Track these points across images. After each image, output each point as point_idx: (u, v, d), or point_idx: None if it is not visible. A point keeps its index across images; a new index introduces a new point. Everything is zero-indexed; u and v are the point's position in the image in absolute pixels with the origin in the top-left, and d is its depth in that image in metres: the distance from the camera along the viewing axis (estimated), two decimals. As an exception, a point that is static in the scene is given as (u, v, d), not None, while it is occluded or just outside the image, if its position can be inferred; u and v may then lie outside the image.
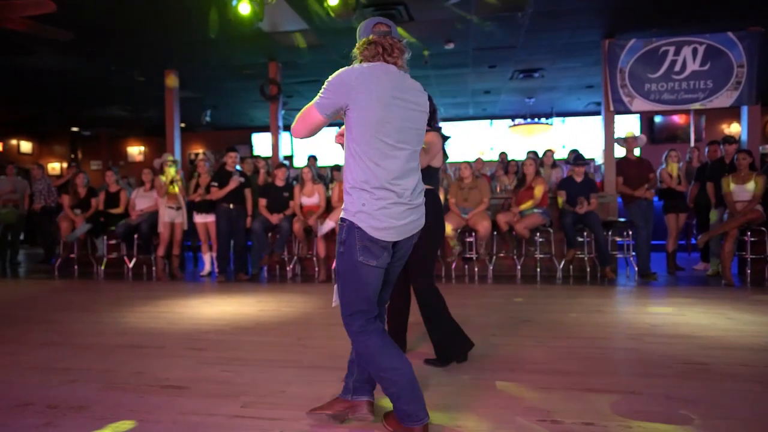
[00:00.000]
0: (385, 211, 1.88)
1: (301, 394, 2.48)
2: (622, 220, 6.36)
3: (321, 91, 1.91)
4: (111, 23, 6.48)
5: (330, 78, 1.91)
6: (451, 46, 7.26)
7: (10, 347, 3.43)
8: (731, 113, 10.28)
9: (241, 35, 6.30)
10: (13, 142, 14.12)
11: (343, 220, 1.95)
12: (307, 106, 1.96)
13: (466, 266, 6.47)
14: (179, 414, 2.28)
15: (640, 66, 6.77)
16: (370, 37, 2.01)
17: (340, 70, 1.92)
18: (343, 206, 1.96)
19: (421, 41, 7.18)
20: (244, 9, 4.96)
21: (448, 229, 5.99)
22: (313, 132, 1.98)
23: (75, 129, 14.28)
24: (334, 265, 2.35)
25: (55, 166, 14.71)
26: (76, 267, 7.25)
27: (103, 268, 7.10)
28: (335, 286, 2.02)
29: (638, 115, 11.61)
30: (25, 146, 14.45)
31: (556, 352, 3.16)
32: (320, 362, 3.00)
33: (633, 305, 4.76)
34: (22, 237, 8.78)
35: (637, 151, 6.68)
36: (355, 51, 2.02)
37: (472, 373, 2.78)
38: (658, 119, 11.90)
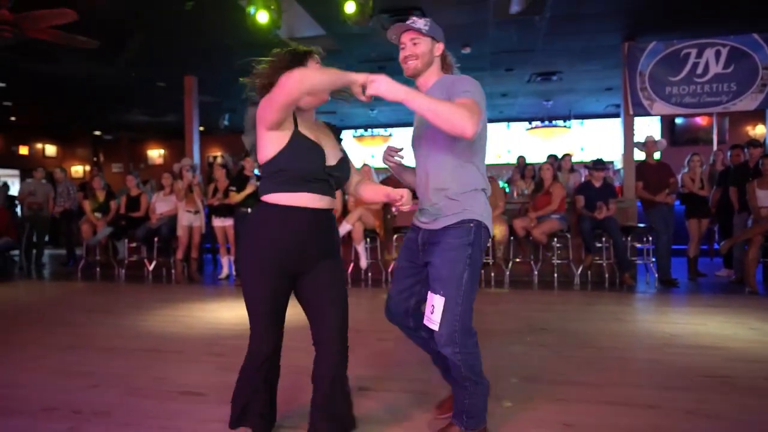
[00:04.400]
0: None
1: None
2: (641, 225, 6.27)
3: (469, 90, 1.84)
4: (133, 31, 6.61)
5: (467, 79, 1.92)
6: (467, 50, 7.23)
7: (35, 350, 3.52)
8: (756, 114, 10.06)
9: (258, 41, 6.36)
10: (39, 145, 14.46)
11: (469, 221, 1.92)
12: (466, 103, 1.78)
13: (482, 271, 6.45)
14: (199, 421, 2.31)
15: (660, 69, 6.67)
16: (443, 47, 2.08)
17: (464, 76, 1.96)
18: (460, 208, 1.93)
19: (437, 45, 7.18)
20: (263, 18, 5.02)
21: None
22: None
23: (97, 133, 14.58)
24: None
25: (78, 169, 15.03)
26: (98, 269, 7.39)
27: (123, 270, 7.23)
28: (438, 304, 1.87)
29: (659, 117, 11.44)
30: (50, 150, 14.79)
31: (573, 361, 3.13)
32: (336, 370, 3.01)
33: (653, 313, 4.70)
34: (46, 239, 8.98)
35: (657, 155, 6.58)
36: (433, 53, 2.03)
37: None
38: (679, 121, 11.70)
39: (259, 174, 6.86)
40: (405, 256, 2.17)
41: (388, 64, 7.92)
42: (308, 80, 1.71)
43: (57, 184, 8.54)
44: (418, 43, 1.99)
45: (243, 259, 1.90)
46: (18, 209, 9.38)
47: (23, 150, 14.03)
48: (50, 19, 4.69)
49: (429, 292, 1.97)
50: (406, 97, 1.72)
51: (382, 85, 1.72)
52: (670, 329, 3.89)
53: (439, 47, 2.04)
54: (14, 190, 11.23)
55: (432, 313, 1.91)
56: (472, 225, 1.93)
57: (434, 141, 1.97)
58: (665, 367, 3.01)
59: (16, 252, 8.02)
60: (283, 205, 1.84)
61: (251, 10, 5.01)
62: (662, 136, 11.40)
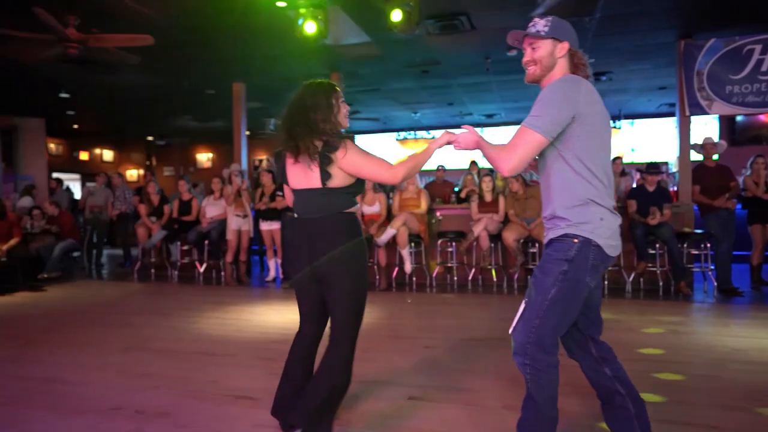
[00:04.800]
0: (618, 229, 1.87)
1: (368, 411, 2.53)
2: (699, 231, 6.00)
3: (535, 114, 1.77)
4: (185, 44, 6.87)
5: (542, 95, 1.81)
6: (513, 53, 7.11)
7: (98, 350, 3.71)
8: (824, 113, 9.45)
9: (305, 50, 6.50)
10: (98, 151, 15.23)
11: (573, 236, 1.79)
12: (514, 138, 1.80)
13: (528, 276, 6.32)
14: (254, 426, 2.38)
15: (720, 67, 6.36)
16: (567, 46, 1.91)
17: (550, 86, 1.82)
18: (565, 222, 1.82)
19: (483, 49, 7.11)
20: (310, 28, 5.11)
21: (510, 239, 5.90)
22: (530, 160, 1.83)
23: (150, 138, 15.22)
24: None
25: (132, 173, 15.72)
26: (152, 270, 7.71)
27: (176, 272, 7.51)
28: (521, 309, 1.87)
29: (717, 115, 10.90)
30: (108, 155, 15.55)
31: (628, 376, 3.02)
32: (384, 377, 3.03)
33: (712, 325, 4.49)
34: (104, 240, 9.45)
35: (715, 157, 6.28)
36: (555, 55, 1.90)
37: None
38: (739, 118, 11.10)
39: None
40: None
41: (432, 68, 7.92)
42: (410, 175, 2.17)
43: (115, 189, 8.97)
44: (537, 47, 1.92)
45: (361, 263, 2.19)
46: (80, 212, 9.92)
47: (83, 155, 14.81)
48: (127, 41, 4.91)
49: None
50: (479, 147, 1.96)
51: (462, 144, 1.99)
52: (733, 343, 3.71)
53: (563, 47, 1.90)
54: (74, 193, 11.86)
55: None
56: (575, 241, 1.79)
57: (541, 156, 1.91)
58: (727, 384, 2.88)
59: (78, 253, 8.47)
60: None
61: (299, 20, 5.11)
62: (720, 134, 10.87)
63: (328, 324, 2.23)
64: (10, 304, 5.62)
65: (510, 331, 1.88)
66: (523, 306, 1.87)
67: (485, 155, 1.92)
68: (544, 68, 1.92)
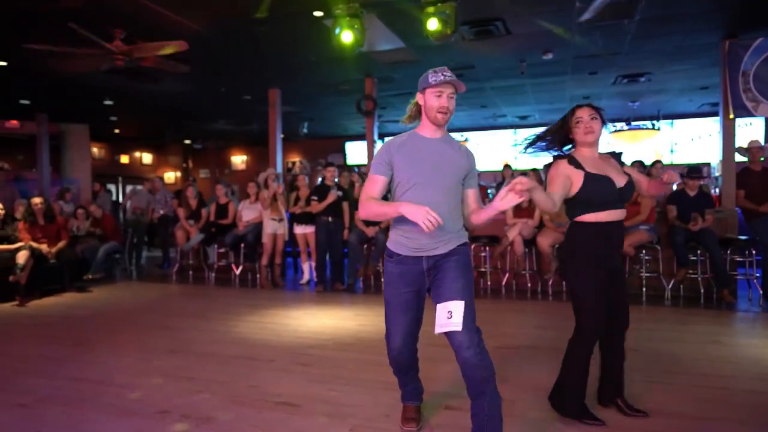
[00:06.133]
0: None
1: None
2: (743, 237, 5.81)
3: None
4: (224, 53, 7.06)
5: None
6: (549, 56, 7.05)
7: (144, 353, 3.86)
8: None
9: (341, 56, 6.58)
10: (137, 154, 15.75)
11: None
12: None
13: (564, 282, 6.24)
14: (295, 432, 2.45)
15: None
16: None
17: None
18: None
19: (518, 53, 7.06)
20: (347, 37, 5.17)
21: (545, 244, 5.84)
22: None
23: (187, 142, 15.64)
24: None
25: (170, 176, 16.20)
26: (191, 273, 7.94)
27: (213, 274, 7.71)
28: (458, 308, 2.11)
29: (763, 117, 10.48)
30: (147, 158, 16.06)
31: (665, 389, 2.96)
32: (421, 386, 3.06)
33: (758, 337, 4.34)
34: (145, 240, 9.79)
35: (762, 160, 6.06)
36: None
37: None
38: (787, 120, 10.65)
39: (339, 183, 7.06)
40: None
41: (466, 72, 7.89)
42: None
43: (155, 192, 9.27)
44: (453, 99, 2.30)
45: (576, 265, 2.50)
46: (121, 214, 10.31)
47: (124, 159, 15.35)
48: (164, 48, 5.11)
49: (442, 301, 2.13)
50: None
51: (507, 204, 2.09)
52: (780, 356, 3.59)
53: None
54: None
55: (450, 318, 2.06)
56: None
57: None
58: (775, 401, 2.79)
59: (120, 255, 8.79)
60: (590, 222, 2.48)
61: (336, 30, 5.18)
62: (766, 137, 10.45)
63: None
64: (60, 305, 5.89)
65: (459, 329, 2.07)
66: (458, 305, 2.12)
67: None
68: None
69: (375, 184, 2.22)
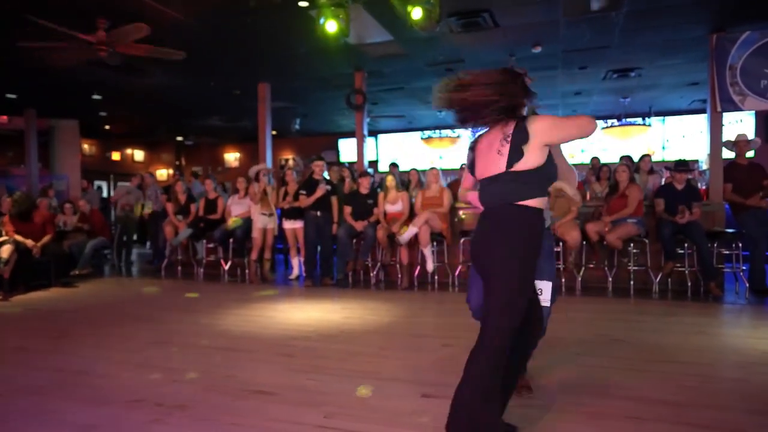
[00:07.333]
0: None
1: (380, 407, 2.54)
2: (730, 231, 5.81)
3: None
4: (211, 45, 7.00)
5: None
6: (538, 49, 7.03)
7: (126, 344, 3.82)
8: None
9: (328, 49, 6.54)
10: (129, 151, 15.66)
11: None
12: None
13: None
14: (269, 420, 2.42)
15: (755, 60, 6.14)
16: None
17: None
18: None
19: (507, 46, 7.04)
20: (331, 27, 5.15)
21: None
22: None
23: (179, 138, 15.56)
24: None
25: (162, 173, 16.11)
26: (179, 268, 7.88)
27: (202, 269, 7.66)
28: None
29: (753, 112, 10.52)
30: (138, 155, 15.97)
31: (650, 377, 2.96)
32: (400, 375, 3.04)
33: (742, 327, 4.34)
34: (134, 238, 9.72)
35: (749, 154, 6.07)
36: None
37: (552, 395, 2.68)
38: (777, 115, 10.69)
39: (328, 178, 7.04)
40: None
41: (456, 66, 7.87)
42: (591, 132, 2.01)
43: (146, 188, 9.21)
44: None
45: (519, 256, 1.98)
46: (111, 211, 10.24)
47: (115, 156, 15.25)
48: (129, 34, 5.07)
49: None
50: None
51: None
52: (763, 346, 3.58)
53: None
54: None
55: (541, 294, 2.43)
56: None
57: None
58: (755, 388, 2.78)
59: (108, 250, 8.73)
60: (540, 209, 2.05)
61: (320, 19, 5.15)
62: (756, 132, 10.50)
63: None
64: (44, 299, 5.84)
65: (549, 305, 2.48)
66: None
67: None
68: None
69: None
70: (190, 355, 3.51)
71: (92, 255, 7.59)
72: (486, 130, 2.14)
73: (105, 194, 13.97)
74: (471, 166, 2.26)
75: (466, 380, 1.99)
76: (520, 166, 1.99)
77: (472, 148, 2.25)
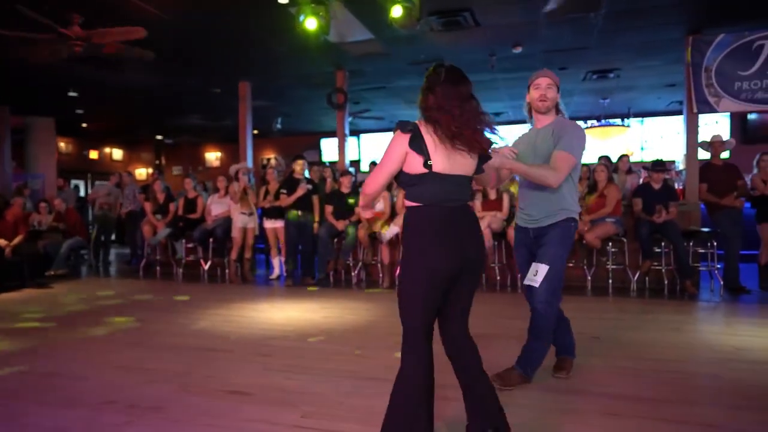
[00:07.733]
0: None
1: (358, 406, 2.52)
2: (705, 230, 5.91)
3: (572, 145, 2.62)
4: (190, 42, 6.90)
5: (575, 132, 2.68)
6: (519, 49, 7.07)
7: (101, 346, 3.74)
8: (838, 110, 9.24)
9: (309, 47, 6.49)
10: (107, 150, 15.38)
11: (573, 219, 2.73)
12: (559, 157, 2.60)
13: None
14: (244, 421, 2.38)
15: (729, 63, 6.26)
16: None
17: (576, 126, 2.77)
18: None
19: (487, 45, 7.07)
20: (311, 24, 5.11)
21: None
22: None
23: (159, 137, 15.32)
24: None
25: (141, 172, 15.86)
26: (158, 268, 7.76)
27: (181, 269, 7.55)
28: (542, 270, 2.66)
29: (728, 113, 10.74)
30: (117, 154, 15.69)
31: (627, 374, 2.99)
32: (377, 374, 3.02)
33: (717, 324, 4.42)
34: (113, 238, 9.55)
35: (724, 155, 6.19)
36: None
37: (531, 393, 2.69)
38: (752, 117, 10.91)
39: (309, 177, 6.99)
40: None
41: (437, 65, 7.87)
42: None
43: (124, 187, 9.05)
44: (552, 88, 2.74)
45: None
46: (89, 210, 10.03)
47: (93, 154, 14.96)
48: (120, 35, 4.97)
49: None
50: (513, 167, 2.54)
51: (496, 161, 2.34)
52: (736, 342, 3.65)
53: (558, 96, 2.77)
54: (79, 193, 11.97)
55: (535, 275, 2.66)
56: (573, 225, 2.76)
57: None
58: (729, 384, 2.83)
59: (86, 250, 8.56)
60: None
61: (300, 17, 5.11)
62: (732, 133, 10.71)
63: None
64: (16, 300, 5.68)
65: (537, 285, 2.64)
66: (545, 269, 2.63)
67: (527, 175, 2.61)
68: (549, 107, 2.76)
69: None
70: (167, 356, 3.45)
71: (68, 255, 7.44)
72: None
73: (82, 193, 13.72)
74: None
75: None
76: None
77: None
